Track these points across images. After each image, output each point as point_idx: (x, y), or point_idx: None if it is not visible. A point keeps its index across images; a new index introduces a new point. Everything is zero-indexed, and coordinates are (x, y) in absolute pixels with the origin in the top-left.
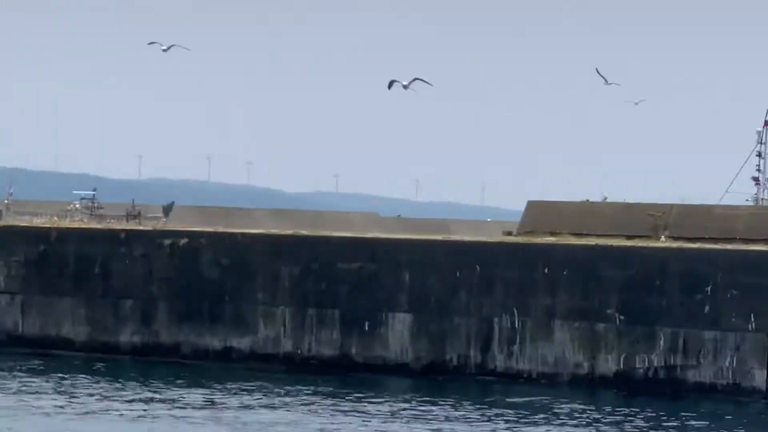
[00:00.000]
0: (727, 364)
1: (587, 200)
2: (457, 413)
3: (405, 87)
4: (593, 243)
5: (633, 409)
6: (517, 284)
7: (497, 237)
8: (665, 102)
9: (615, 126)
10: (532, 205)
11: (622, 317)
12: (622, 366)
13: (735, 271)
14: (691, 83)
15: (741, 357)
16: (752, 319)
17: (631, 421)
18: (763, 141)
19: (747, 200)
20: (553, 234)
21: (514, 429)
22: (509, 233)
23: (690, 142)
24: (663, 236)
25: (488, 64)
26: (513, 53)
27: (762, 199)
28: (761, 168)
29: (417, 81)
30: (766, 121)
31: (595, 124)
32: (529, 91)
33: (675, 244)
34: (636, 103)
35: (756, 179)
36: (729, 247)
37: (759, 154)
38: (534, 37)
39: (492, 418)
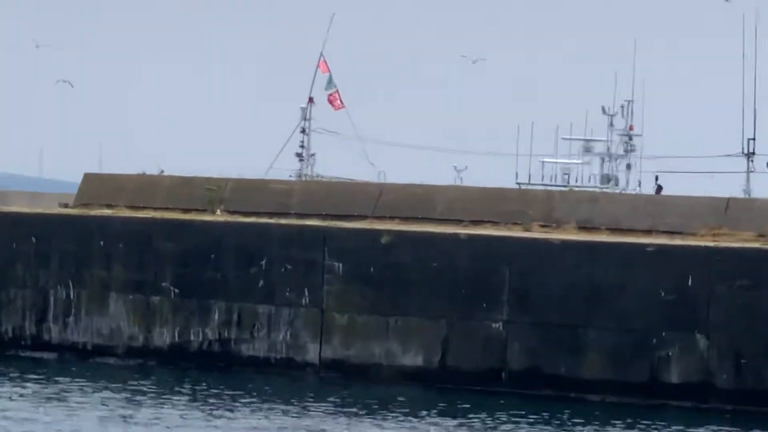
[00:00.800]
0: (281, 338)
1: (144, 173)
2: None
3: None
4: (150, 216)
5: (185, 382)
6: (73, 256)
7: (54, 209)
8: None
9: (167, 99)
10: (89, 178)
11: (177, 290)
12: (176, 339)
13: (289, 246)
14: (237, 55)
15: (294, 331)
16: (306, 293)
17: (185, 393)
18: (307, 118)
19: (290, 176)
20: (110, 206)
21: (59, 401)
22: (66, 205)
23: (240, 116)
24: (219, 210)
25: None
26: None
27: (305, 174)
28: (305, 144)
29: None
30: (310, 98)
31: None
32: (90, 60)
33: (230, 218)
34: None
35: (300, 155)
36: (283, 221)
37: (303, 131)
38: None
39: (36, 391)
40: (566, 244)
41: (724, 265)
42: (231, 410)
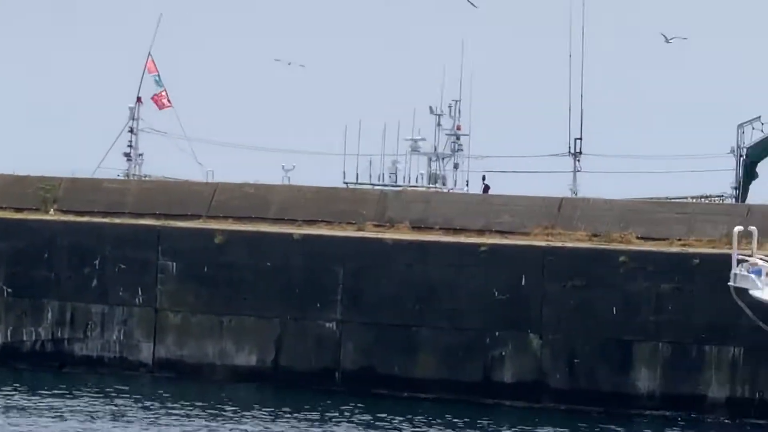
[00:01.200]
0: (114, 337)
1: None
2: None
3: None
4: None
5: (17, 383)
6: None
7: None
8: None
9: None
10: None
11: (9, 290)
12: (9, 339)
13: (123, 245)
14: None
15: (128, 331)
16: (140, 293)
17: (16, 393)
18: (135, 117)
19: (118, 175)
20: None
21: None
22: None
23: (69, 115)
24: (52, 209)
25: None
26: None
27: (134, 174)
28: (133, 144)
29: None
30: (138, 97)
31: None
32: None
33: (64, 218)
34: None
35: (128, 155)
36: (117, 221)
37: (131, 130)
38: None
39: None
40: (399, 244)
41: (557, 265)
42: (60, 412)
